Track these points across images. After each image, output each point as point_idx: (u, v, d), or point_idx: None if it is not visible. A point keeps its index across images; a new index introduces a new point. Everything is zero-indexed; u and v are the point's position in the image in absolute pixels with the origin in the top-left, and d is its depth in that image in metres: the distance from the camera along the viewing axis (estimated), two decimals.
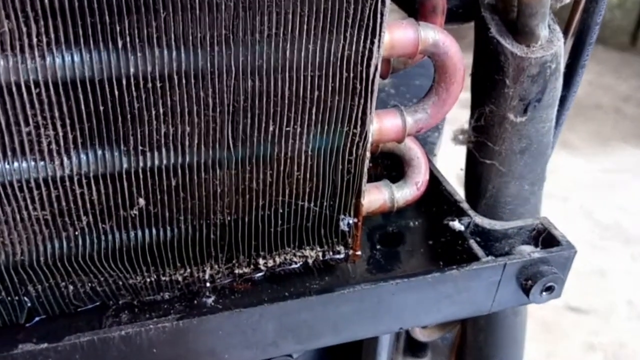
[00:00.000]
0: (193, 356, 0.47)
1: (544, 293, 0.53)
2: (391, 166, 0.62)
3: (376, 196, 0.53)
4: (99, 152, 0.42)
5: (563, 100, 0.59)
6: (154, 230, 0.46)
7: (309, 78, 0.43)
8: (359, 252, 0.53)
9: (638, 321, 1.93)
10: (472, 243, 0.54)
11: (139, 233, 0.46)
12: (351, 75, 0.44)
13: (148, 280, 0.48)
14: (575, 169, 2.68)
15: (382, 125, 0.50)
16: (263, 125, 0.44)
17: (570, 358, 1.81)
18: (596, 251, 2.21)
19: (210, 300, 0.49)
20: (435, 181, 0.60)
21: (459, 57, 0.47)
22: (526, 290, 0.53)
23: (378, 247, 0.58)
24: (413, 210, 0.61)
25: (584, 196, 2.49)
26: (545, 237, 0.55)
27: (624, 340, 1.86)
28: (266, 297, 0.48)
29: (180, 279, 0.49)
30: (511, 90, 0.53)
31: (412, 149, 0.55)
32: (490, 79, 0.54)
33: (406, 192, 0.54)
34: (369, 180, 0.55)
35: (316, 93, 0.44)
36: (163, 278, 0.48)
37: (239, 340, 0.47)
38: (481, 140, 0.58)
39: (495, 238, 0.56)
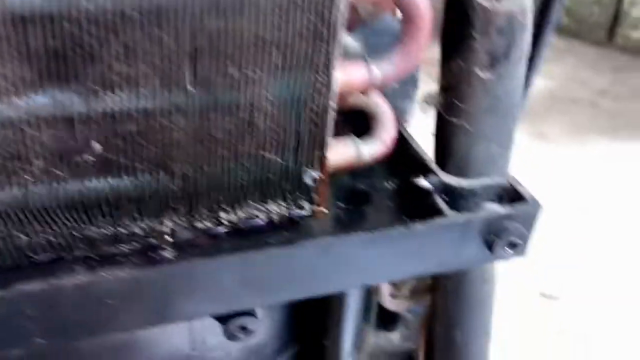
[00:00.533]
0: (150, 308, 0.45)
1: (508, 250, 0.53)
2: (360, 126, 0.61)
3: (342, 150, 0.53)
4: (53, 92, 0.40)
5: (533, 59, 0.59)
6: (110, 179, 0.45)
7: (272, 20, 0.42)
8: (324, 209, 0.52)
9: (612, 307, 1.95)
10: (438, 200, 0.53)
11: (95, 181, 0.44)
12: (315, 18, 0.43)
13: (105, 232, 0.47)
14: (550, 160, 2.71)
15: (348, 75, 0.49)
16: (223, 68, 0.43)
17: (543, 343, 1.83)
18: (570, 240, 2.23)
19: (168, 253, 0.48)
20: (404, 141, 0.60)
21: (425, 3, 0.47)
22: (490, 246, 0.53)
23: (345, 206, 0.57)
24: (381, 170, 0.61)
25: (559, 187, 2.52)
26: (512, 194, 0.55)
27: (595, 328, 1.88)
28: (226, 250, 0.46)
29: (138, 231, 0.48)
30: (478, 43, 0.53)
31: (380, 105, 0.54)
32: (458, 32, 0.54)
33: (373, 148, 0.54)
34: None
35: (278, 35, 0.43)
36: (121, 230, 0.47)
37: (197, 293, 0.46)
38: (449, 99, 0.58)
39: (462, 195, 0.55)
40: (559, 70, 3.51)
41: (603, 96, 3.28)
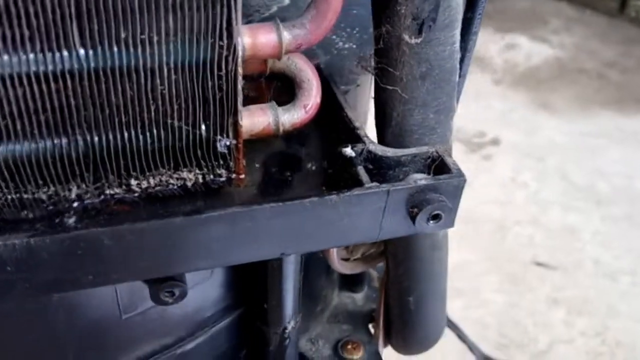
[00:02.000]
0: (50, 276, 0.43)
1: (430, 221, 0.49)
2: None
3: (259, 118, 0.49)
4: None
5: (468, 23, 0.55)
6: (8, 145, 0.42)
7: None
8: (242, 176, 0.49)
9: (603, 279, 1.91)
10: (360, 169, 0.50)
11: None
12: None
13: (9, 197, 0.45)
14: (554, 131, 2.63)
15: (256, 39, 0.45)
16: (113, 31, 0.40)
17: (534, 311, 1.79)
18: (568, 211, 2.17)
19: (72, 220, 0.45)
20: (337, 107, 0.56)
21: None
22: (413, 218, 0.49)
23: (271, 173, 0.54)
24: (313, 137, 0.57)
25: (561, 158, 2.45)
26: (438, 165, 0.51)
27: (588, 297, 1.84)
28: (128, 219, 0.44)
29: (44, 197, 0.45)
30: (403, 7, 0.49)
31: (303, 70, 0.51)
32: None
33: (293, 115, 0.50)
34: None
35: None
36: (25, 196, 0.45)
37: (101, 262, 0.44)
38: (382, 66, 0.54)
39: (387, 166, 0.52)
40: (569, 40, 3.38)
41: (611, 68, 3.15)
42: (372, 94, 0.60)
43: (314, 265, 0.78)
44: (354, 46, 0.76)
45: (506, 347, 1.70)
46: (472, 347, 1.60)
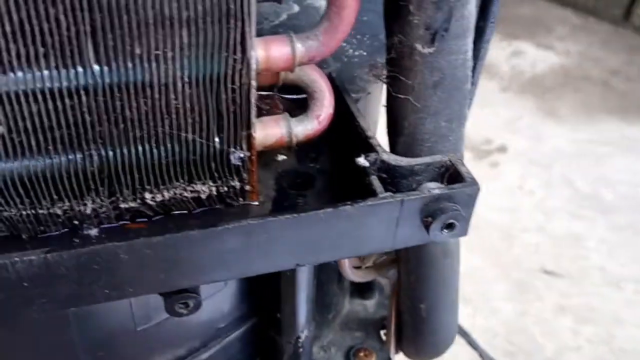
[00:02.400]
0: (67, 291, 0.43)
1: (445, 230, 0.49)
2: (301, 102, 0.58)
3: (273, 130, 0.49)
4: None
5: (480, 32, 0.54)
6: (22, 160, 0.42)
7: None
8: (256, 188, 0.49)
9: (609, 287, 1.88)
10: (374, 179, 0.49)
11: (6, 162, 0.42)
12: None
13: (25, 213, 0.44)
14: (560, 138, 2.61)
15: (270, 52, 0.45)
16: (127, 47, 0.40)
17: (542, 318, 1.77)
18: (574, 218, 2.16)
19: (88, 235, 0.45)
20: (350, 117, 0.56)
21: None
22: (427, 228, 0.49)
23: (285, 187, 0.54)
24: (326, 147, 0.57)
25: (566, 165, 2.43)
26: (452, 174, 0.51)
27: (594, 305, 1.82)
28: (146, 232, 0.44)
29: (59, 212, 0.45)
30: (416, 18, 0.48)
31: (316, 81, 0.50)
32: (396, 7, 0.49)
33: (306, 126, 0.50)
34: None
35: (185, 13, 0.40)
36: (40, 211, 0.45)
37: (117, 276, 0.44)
38: (394, 74, 0.54)
39: (401, 175, 0.51)
40: (574, 48, 3.37)
41: (615, 76, 3.14)
42: (384, 102, 0.60)
43: (326, 273, 0.77)
44: (365, 53, 0.75)
45: (514, 355, 1.68)
46: (482, 355, 1.59)
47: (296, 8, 0.79)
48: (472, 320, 1.72)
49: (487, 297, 1.82)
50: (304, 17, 0.81)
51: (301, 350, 0.64)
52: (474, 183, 0.49)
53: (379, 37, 0.79)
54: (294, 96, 0.60)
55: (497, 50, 3.25)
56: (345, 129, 0.56)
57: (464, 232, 0.50)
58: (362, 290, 0.87)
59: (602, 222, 2.14)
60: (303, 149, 0.57)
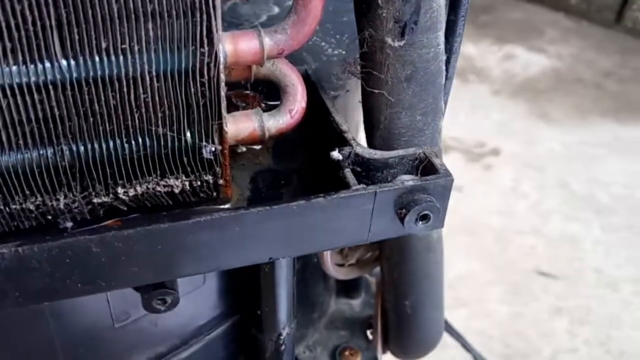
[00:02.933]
0: (40, 285, 0.43)
1: (419, 222, 0.49)
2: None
3: (245, 124, 0.49)
4: None
5: (452, 25, 0.55)
6: None
7: None
8: (229, 182, 0.49)
9: (605, 288, 1.88)
10: (347, 172, 0.50)
11: None
12: None
13: None
14: (553, 141, 2.62)
15: (238, 46, 0.45)
16: (94, 41, 0.40)
17: (538, 320, 1.77)
18: (569, 220, 2.16)
19: (69, 226, 0.45)
20: (324, 111, 0.56)
21: None
22: (401, 220, 0.49)
23: (260, 185, 0.54)
24: (305, 145, 0.57)
25: (560, 167, 2.44)
26: (426, 166, 0.51)
27: (590, 306, 1.82)
28: (113, 227, 0.44)
29: (32, 207, 0.45)
30: (384, 11, 0.49)
31: (288, 75, 0.51)
32: (365, 0, 0.50)
33: (278, 120, 0.50)
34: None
35: (150, 7, 0.40)
36: (13, 206, 0.45)
37: (89, 269, 0.44)
38: (367, 69, 0.54)
39: (375, 168, 0.52)
40: (566, 51, 3.39)
41: (608, 78, 3.15)
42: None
43: (311, 272, 0.77)
44: (344, 52, 0.76)
45: (510, 357, 1.68)
46: (478, 358, 1.58)
47: (276, 9, 0.80)
48: (467, 322, 1.72)
49: (482, 300, 1.82)
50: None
51: (283, 347, 0.64)
52: (448, 174, 0.49)
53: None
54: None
55: (489, 54, 3.27)
56: (321, 125, 0.56)
57: (439, 224, 0.50)
58: (348, 289, 0.87)
59: (597, 223, 2.14)
60: (279, 148, 0.58)
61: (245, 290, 0.62)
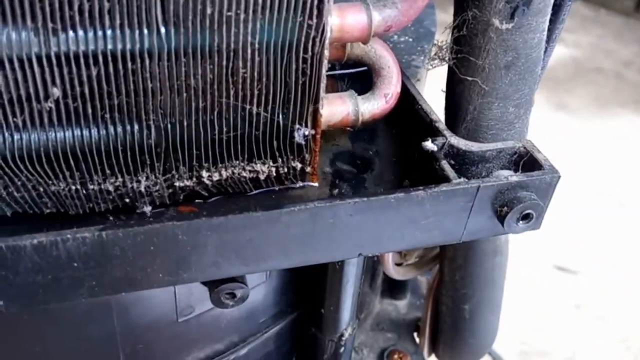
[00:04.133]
0: (120, 274, 0.40)
1: (520, 222, 0.47)
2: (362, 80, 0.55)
3: (339, 107, 0.46)
4: (5, 30, 0.35)
5: (557, 10, 0.52)
6: (75, 130, 0.39)
7: None
8: (317, 170, 0.47)
9: (624, 284, 1.88)
10: (444, 164, 0.47)
11: (58, 131, 0.39)
12: None
13: (73, 187, 0.41)
14: (572, 131, 2.60)
15: (344, 20, 0.42)
16: (198, 6, 0.37)
17: (556, 317, 1.77)
18: (588, 213, 2.15)
19: (145, 212, 0.43)
20: (410, 99, 0.53)
21: None
22: (501, 218, 0.46)
23: (343, 171, 0.51)
24: (385, 132, 0.54)
25: (579, 158, 2.42)
26: (527, 161, 0.48)
27: (611, 302, 1.81)
28: (206, 212, 0.41)
29: (111, 188, 0.42)
30: None
31: (383, 57, 0.48)
32: None
33: (373, 104, 0.47)
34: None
35: None
36: (91, 187, 0.42)
37: (173, 259, 0.41)
38: (463, 54, 0.51)
39: (471, 161, 0.49)
40: (585, 40, 3.36)
41: (628, 67, 3.13)
42: (442, 88, 0.57)
43: None
44: (411, 39, 0.73)
45: (528, 355, 1.67)
46: (494, 356, 1.58)
47: None
48: None
49: None
50: None
51: (342, 349, 0.62)
52: (554, 170, 0.47)
53: (424, 23, 0.77)
54: (341, 71, 0.58)
55: None
56: (406, 112, 0.53)
57: (538, 225, 0.48)
58: (393, 290, 0.85)
59: (617, 216, 2.13)
60: (357, 131, 0.55)
61: (309, 286, 0.60)
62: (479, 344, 0.76)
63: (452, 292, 0.70)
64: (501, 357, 1.61)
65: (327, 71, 0.42)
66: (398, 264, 0.70)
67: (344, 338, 0.61)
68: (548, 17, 0.50)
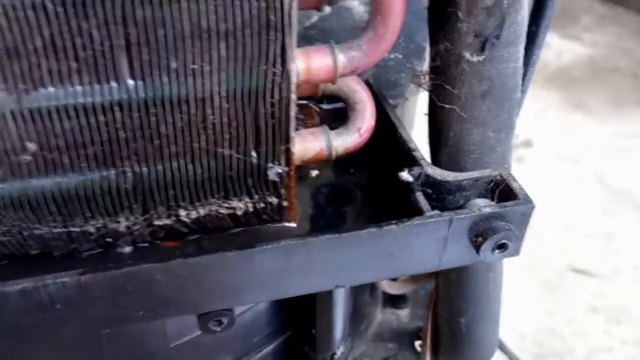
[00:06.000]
0: (101, 313, 0.41)
1: (496, 251, 0.46)
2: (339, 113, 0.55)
3: (312, 143, 0.46)
4: None
5: (533, 37, 0.51)
6: (55, 178, 0.40)
7: (214, 10, 0.36)
8: (294, 204, 0.47)
9: None
10: (419, 196, 0.46)
11: (38, 180, 0.40)
12: (263, 5, 0.37)
13: (56, 230, 0.42)
14: (589, 132, 2.54)
15: (310, 64, 0.42)
16: (164, 61, 0.37)
17: (572, 319, 1.73)
18: (605, 215, 2.10)
19: (122, 253, 0.43)
20: (391, 128, 0.53)
21: None
22: (477, 248, 0.46)
23: (322, 204, 0.51)
24: (366, 162, 0.54)
25: (597, 159, 2.36)
26: (503, 190, 0.48)
27: (627, 304, 1.77)
28: (179, 253, 0.41)
29: (92, 230, 0.43)
30: (465, 24, 0.45)
31: (357, 91, 0.47)
32: (443, 12, 0.46)
33: (346, 139, 0.47)
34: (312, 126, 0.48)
35: (223, 26, 0.37)
36: (73, 229, 0.43)
37: (152, 297, 0.42)
38: (439, 83, 0.51)
39: (448, 190, 0.48)
40: (602, 39, 3.27)
41: None
42: (425, 111, 0.57)
43: None
44: (400, 56, 0.72)
45: (543, 356, 1.64)
46: (511, 357, 1.55)
47: (327, 9, 0.76)
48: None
49: (516, 297, 1.78)
50: (336, 18, 0.78)
51: None
52: (528, 200, 0.46)
53: (414, 38, 0.76)
54: (329, 105, 0.58)
55: None
56: (385, 140, 0.53)
57: (516, 252, 0.47)
58: (395, 299, 0.84)
59: (634, 218, 2.07)
60: (339, 160, 0.55)
61: (299, 308, 0.60)
62: (479, 355, 0.75)
63: (447, 307, 0.69)
64: (518, 359, 1.58)
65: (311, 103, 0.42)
66: (393, 279, 0.70)
67: (336, 357, 0.61)
68: (522, 45, 0.49)
